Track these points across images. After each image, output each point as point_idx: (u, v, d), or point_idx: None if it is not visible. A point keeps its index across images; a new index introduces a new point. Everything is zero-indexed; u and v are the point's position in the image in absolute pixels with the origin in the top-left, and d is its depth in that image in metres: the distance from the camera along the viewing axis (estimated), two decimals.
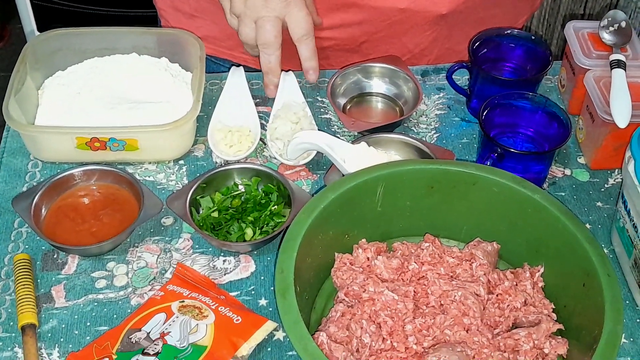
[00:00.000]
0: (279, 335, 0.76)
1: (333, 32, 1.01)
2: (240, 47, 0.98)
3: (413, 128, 0.98)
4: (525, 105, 0.89)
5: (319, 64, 0.96)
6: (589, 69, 0.92)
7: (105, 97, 0.93)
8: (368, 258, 0.78)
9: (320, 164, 0.92)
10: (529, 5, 1.14)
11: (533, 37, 0.97)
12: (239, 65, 1.00)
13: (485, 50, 0.97)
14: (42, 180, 0.88)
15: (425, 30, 1.02)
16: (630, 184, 0.76)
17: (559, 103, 1.00)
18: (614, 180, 0.91)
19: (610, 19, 0.96)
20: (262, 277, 0.81)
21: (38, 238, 0.82)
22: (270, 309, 0.78)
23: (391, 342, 0.72)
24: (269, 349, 0.75)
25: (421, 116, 0.99)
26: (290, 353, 0.74)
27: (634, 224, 0.77)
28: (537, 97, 0.89)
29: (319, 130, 0.93)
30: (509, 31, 0.98)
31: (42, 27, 2.00)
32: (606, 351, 0.64)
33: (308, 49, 0.93)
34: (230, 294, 0.79)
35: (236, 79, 0.98)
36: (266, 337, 0.75)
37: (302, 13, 0.90)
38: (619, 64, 0.90)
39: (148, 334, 0.72)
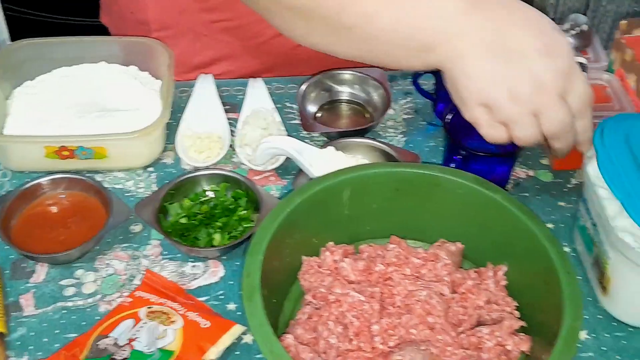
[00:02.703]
0: (248, 338, 0.76)
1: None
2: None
3: (381, 132, 0.99)
4: None
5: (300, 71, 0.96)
6: None
7: (75, 106, 0.93)
8: (335, 261, 0.79)
9: (289, 169, 0.93)
10: None
11: None
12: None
13: None
14: (11, 190, 0.88)
15: None
16: (589, 184, 0.78)
17: None
18: (576, 180, 0.93)
19: (572, 22, 0.98)
20: (231, 282, 0.82)
21: (7, 247, 0.83)
22: (239, 313, 0.79)
23: (357, 342, 0.72)
24: (238, 353, 0.75)
25: (389, 120, 1.01)
26: (258, 356, 0.75)
27: (593, 222, 0.78)
28: None
29: (288, 136, 0.94)
30: None
31: (15, 38, 2.00)
32: (565, 347, 0.65)
33: (587, 124, 0.75)
34: (199, 299, 0.79)
35: (205, 86, 0.99)
36: (235, 341, 0.75)
37: (583, 84, 0.72)
38: (581, 67, 0.92)
39: (116, 340, 0.72)
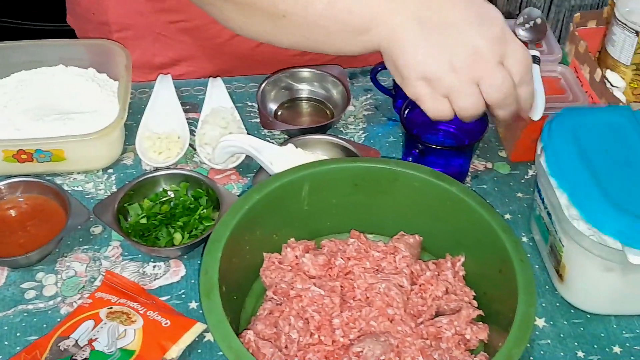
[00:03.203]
0: (209, 336, 0.77)
1: (279, 48, 1.03)
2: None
3: (342, 129, 1.00)
4: None
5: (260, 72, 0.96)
6: None
7: (33, 110, 0.93)
8: (296, 256, 0.80)
9: (250, 167, 0.94)
10: None
11: None
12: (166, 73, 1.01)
13: None
14: None
15: None
16: (542, 174, 0.80)
17: None
18: (533, 172, 0.94)
19: (525, 16, 0.99)
20: (193, 281, 0.82)
21: None
22: (201, 312, 0.78)
23: (319, 336, 0.73)
24: (199, 351, 0.76)
25: (349, 117, 1.02)
26: (220, 354, 0.76)
27: (548, 211, 0.80)
28: None
29: (248, 134, 0.95)
30: None
31: None
32: (519, 333, 0.66)
33: (529, 90, 0.76)
34: (161, 298, 0.80)
35: (164, 86, 0.99)
36: (196, 339, 0.76)
37: (520, 48, 0.73)
38: (534, 60, 0.93)
39: (76, 341, 0.72)
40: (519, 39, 0.96)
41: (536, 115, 0.87)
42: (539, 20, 0.99)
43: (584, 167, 0.76)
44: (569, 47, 1.01)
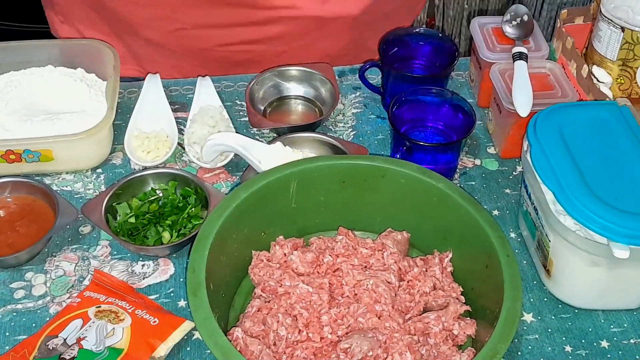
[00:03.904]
0: (198, 334, 0.77)
1: (253, 46, 1.03)
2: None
3: (331, 127, 1.00)
4: (433, 100, 0.92)
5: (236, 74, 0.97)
6: (494, 63, 0.96)
7: (21, 110, 0.93)
8: (285, 254, 0.80)
9: (239, 165, 0.94)
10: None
11: (440, 35, 1.01)
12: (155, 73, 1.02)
13: (396, 49, 1.00)
14: None
15: (340, 35, 1.05)
16: (529, 169, 0.80)
17: (470, 97, 1.04)
18: (521, 168, 0.95)
19: (512, 13, 1.00)
20: (181, 279, 0.82)
21: None
22: (190, 310, 0.79)
23: (307, 333, 0.73)
24: (188, 349, 0.76)
25: (339, 115, 1.02)
26: (209, 351, 0.76)
27: (534, 207, 0.80)
28: (443, 91, 0.92)
29: (237, 133, 0.95)
30: (416, 30, 1.01)
31: None
32: (505, 327, 0.67)
33: None
34: (150, 297, 0.80)
35: (152, 86, 0.99)
36: (185, 337, 0.76)
37: None
38: (521, 56, 0.94)
39: (65, 340, 0.72)
40: (506, 36, 0.97)
41: (523, 111, 0.88)
42: (525, 17, 1.00)
43: (570, 162, 0.76)
44: (556, 44, 1.01)
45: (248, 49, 1.03)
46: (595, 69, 0.94)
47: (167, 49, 1.04)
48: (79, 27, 1.08)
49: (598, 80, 0.93)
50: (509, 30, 0.98)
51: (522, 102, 0.88)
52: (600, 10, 0.91)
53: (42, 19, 1.16)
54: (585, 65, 0.93)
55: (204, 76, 1.01)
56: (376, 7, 1.04)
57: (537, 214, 0.80)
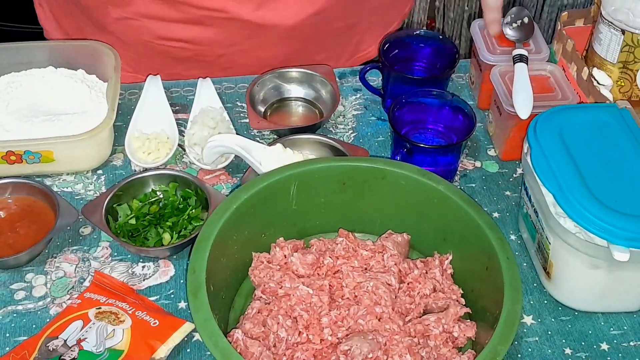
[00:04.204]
0: (198, 336, 0.77)
1: (191, 45, 1.04)
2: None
3: (331, 129, 1.00)
4: (433, 102, 0.93)
5: (178, 75, 0.99)
6: (495, 65, 0.96)
7: (22, 111, 0.93)
8: (285, 256, 0.80)
9: (240, 167, 0.94)
10: (398, 13, 1.18)
11: (440, 37, 1.01)
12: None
13: (396, 50, 1.00)
14: None
15: (278, 44, 1.05)
16: (529, 172, 0.80)
17: (470, 99, 1.04)
18: (522, 170, 0.95)
19: (513, 15, 1.00)
20: (182, 281, 0.82)
21: None
22: (190, 311, 0.79)
23: (307, 335, 0.73)
24: (188, 350, 0.76)
25: (339, 117, 1.02)
26: (209, 353, 0.76)
27: (535, 210, 0.80)
28: (444, 93, 0.92)
29: (237, 134, 0.95)
30: (417, 32, 1.01)
31: None
32: (505, 330, 0.67)
33: None
34: (150, 298, 0.80)
35: (153, 87, 0.99)
36: (185, 339, 0.76)
37: None
38: (521, 59, 0.94)
39: (65, 341, 0.72)
40: (506, 38, 0.97)
41: (523, 113, 0.88)
42: (526, 20, 1.00)
43: (570, 165, 0.76)
44: (556, 46, 1.02)
45: (187, 47, 1.04)
46: (596, 72, 0.94)
47: (115, 36, 1.05)
48: (58, 18, 1.10)
49: (598, 83, 0.93)
50: (510, 32, 0.98)
51: (523, 104, 0.88)
52: (601, 13, 0.91)
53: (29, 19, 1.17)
54: (585, 68, 0.93)
55: (204, 78, 1.01)
56: (321, 24, 1.04)
57: (537, 216, 0.80)
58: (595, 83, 0.93)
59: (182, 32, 1.02)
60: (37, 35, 1.14)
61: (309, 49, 1.07)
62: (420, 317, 0.76)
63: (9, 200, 0.85)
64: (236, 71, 1.07)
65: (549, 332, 0.79)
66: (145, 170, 0.89)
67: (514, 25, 0.99)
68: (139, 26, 1.02)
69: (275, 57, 1.06)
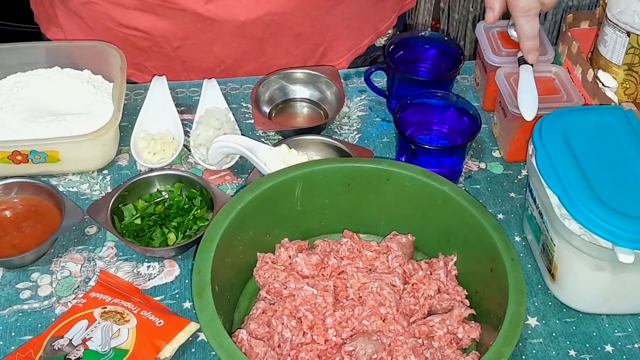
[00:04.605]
0: (203, 336, 0.77)
1: (147, 34, 1.04)
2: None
3: (336, 130, 1.00)
4: (438, 103, 0.93)
5: (140, 65, 1.00)
6: (499, 66, 0.96)
7: (28, 111, 0.93)
8: (290, 256, 0.80)
9: (245, 167, 0.94)
10: (372, 29, 1.15)
11: (445, 38, 1.01)
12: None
13: (401, 52, 1.00)
14: None
15: (231, 41, 1.04)
16: (534, 173, 0.80)
17: (475, 101, 1.04)
18: (526, 172, 0.95)
19: None
20: (187, 281, 0.82)
21: None
22: (195, 311, 0.79)
23: (311, 335, 0.74)
24: (193, 350, 0.76)
25: (344, 118, 1.02)
26: (214, 353, 0.76)
27: (539, 211, 0.80)
28: (449, 95, 0.92)
29: (242, 135, 0.95)
30: (422, 33, 1.01)
31: None
32: (510, 331, 0.67)
33: (530, 25, 0.88)
34: (155, 298, 0.80)
35: (159, 88, 0.99)
36: (190, 339, 0.76)
37: None
38: (526, 60, 0.94)
39: (70, 340, 0.73)
40: (511, 40, 0.97)
41: (528, 115, 0.88)
42: None
43: (575, 167, 0.76)
44: (561, 48, 1.02)
45: (145, 36, 1.04)
46: (601, 74, 0.94)
47: (84, 21, 1.05)
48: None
49: (603, 85, 0.93)
50: (514, 34, 0.98)
51: (528, 106, 0.88)
52: (606, 15, 0.91)
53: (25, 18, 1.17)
54: (590, 70, 0.93)
55: (209, 79, 1.02)
56: (277, 25, 1.03)
57: (542, 218, 0.80)
58: (600, 85, 0.93)
59: (139, 20, 1.02)
60: (36, 34, 1.15)
61: (269, 52, 1.07)
62: (424, 318, 0.76)
63: (15, 200, 0.86)
64: (193, 65, 1.07)
65: (554, 334, 0.79)
66: (151, 170, 0.90)
67: None
68: (101, 11, 1.03)
69: (229, 54, 1.05)
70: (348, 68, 1.12)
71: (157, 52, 1.06)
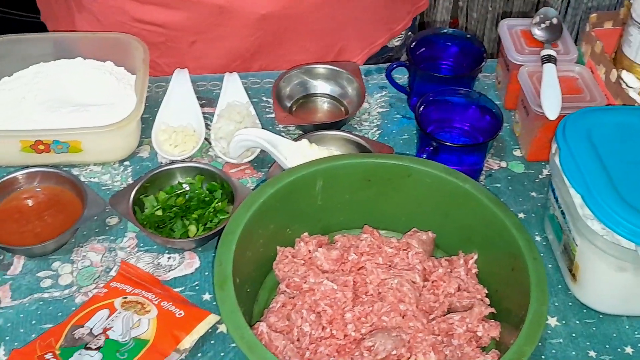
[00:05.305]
0: (223, 328, 0.77)
1: (163, 29, 1.04)
2: None
3: (356, 126, 1.00)
4: (460, 101, 0.92)
5: (153, 62, 0.99)
6: (522, 65, 0.96)
7: (50, 101, 0.94)
8: (309, 251, 0.80)
9: (265, 161, 0.94)
10: (386, 30, 1.15)
11: (468, 36, 1.01)
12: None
13: (423, 49, 1.00)
14: None
15: (249, 33, 1.04)
16: (557, 173, 0.80)
17: (496, 99, 1.03)
18: (548, 171, 0.94)
19: (541, 16, 1.00)
20: (207, 273, 0.82)
21: None
22: (214, 303, 0.80)
23: (330, 330, 0.74)
24: (212, 342, 0.76)
25: (364, 114, 1.02)
26: (233, 345, 0.76)
27: (562, 211, 0.80)
28: (471, 92, 0.92)
29: (263, 129, 0.95)
30: (444, 30, 1.01)
31: None
32: (531, 330, 0.66)
33: None
34: (175, 289, 0.80)
35: (180, 80, 0.99)
36: (209, 330, 0.76)
37: None
38: (550, 59, 0.94)
39: (91, 329, 0.73)
40: (534, 38, 0.97)
41: (552, 114, 0.88)
42: (555, 20, 0.99)
43: (599, 166, 0.76)
44: (585, 48, 1.01)
45: (160, 31, 1.04)
46: (624, 74, 0.94)
47: (95, 16, 1.05)
48: None
49: (627, 85, 0.93)
50: (538, 32, 0.98)
51: (551, 104, 0.88)
52: (631, 15, 0.91)
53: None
54: (614, 70, 0.92)
55: (231, 72, 1.02)
56: (296, 18, 1.03)
57: (564, 217, 0.79)
58: (623, 85, 0.92)
59: (156, 14, 1.02)
60: (39, 25, 1.15)
61: (284, 46, 1.06)
62: (444, 315, 0.76)
63: (37, 189, 0.86)
64: (207, 62, 1.06)
65: (573, 334, 0.78)
66: (172, 162, 0.90)
67: (543, 25, 0.99)
68: (114, 6, 1.03)
69: (247, 48, 1.05)
70: (379, 63, 1.13)
71: (171, 47, 1.06)
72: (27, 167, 0.88)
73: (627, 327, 0.79)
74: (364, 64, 1.13)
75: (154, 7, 1.01)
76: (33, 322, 0.77)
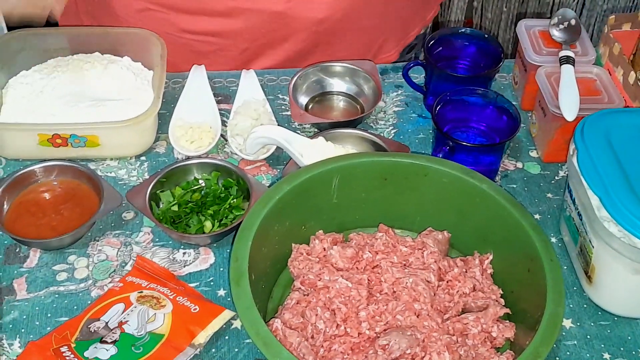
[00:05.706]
0: (237, 324, 0.78)
1: (215, 37, 1.04)
2: None
3: (372, 124, 1.00)
4: (477, 101, 0.92)
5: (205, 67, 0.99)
6: (540, 66, 0.95)
7: (68, 95, 0.94)
8: (324, 248, 0.80)
9: (280, 159, 0.94)
10: (420, 19, 1.17)
11: (486, 36, 1.00)
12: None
13: (440, 48, 1.00)
14: (4, 176, 0.89)
15: (305, 37, 1.04)
16: (574, 174, 0.79)
17: (513, 99, 1.03)
18: (564, 173, 0.94)
19: (560, 17, 0.99)
20: (221, 269, 0.83)
21: (0, 232, 0.84)
22: (229, 299, 0.80)
23: (345, 327, 0.74)
24: (227, 337, 0.76)
25: (380, 113, 1.02)
26: (247, 340, 0.76)
27: (578, 212, 0.80)
28: (488, 92, 0.92)
29: (279, 126, 0.95)
30: (462, 30, 1.01)
31: None
32: (547, 332, 0.66)
33: None
34: (190, 285, 0.81)
35: (197, 77, 1.00)
36: (224, 326, 0.76)
37: None
38: (568, 60, 0.93)
39: (107, 323, 0.73)
40: (553, 39, 0.96)
41: (570, 115, 0.87)
42: (573, 22, 0.99)
43: (617, 168, 0.75)
44: (602, 49, 1.00)
45: (212, 40, 1.03)
46: None
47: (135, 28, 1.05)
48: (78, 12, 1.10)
49: None
50: (557, 34, 0.97)
51: (569, 106, 0.88)
52: None
53: None
54: (632, 72, 0.92)
55: (248, 69, 1.02)
56: (348, 19, 1.03)
57: (580, 219, 0.79)
58: None
59: (206, 24, 1.02)
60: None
61: (334, 45, 1.06)
62: (458, 315, 0.76)
63: (55, 183, 0.86)
64: (254, 67, 1.06)
65: (588, 337, 0.78)
66: (188, 158, 0.90)
67: (561, 26, 0.98)
68: (161, 18, 1.02)
69: (299, 51, 1.05)
70: (395, 62, 1.13)
71: (220, 55, 1.05)
72: (45, 160, 0.88)
73: None
74: (401, 55, 1.15)
75: (206, 17, 1.01)
76: (49, 315, 0.78)
